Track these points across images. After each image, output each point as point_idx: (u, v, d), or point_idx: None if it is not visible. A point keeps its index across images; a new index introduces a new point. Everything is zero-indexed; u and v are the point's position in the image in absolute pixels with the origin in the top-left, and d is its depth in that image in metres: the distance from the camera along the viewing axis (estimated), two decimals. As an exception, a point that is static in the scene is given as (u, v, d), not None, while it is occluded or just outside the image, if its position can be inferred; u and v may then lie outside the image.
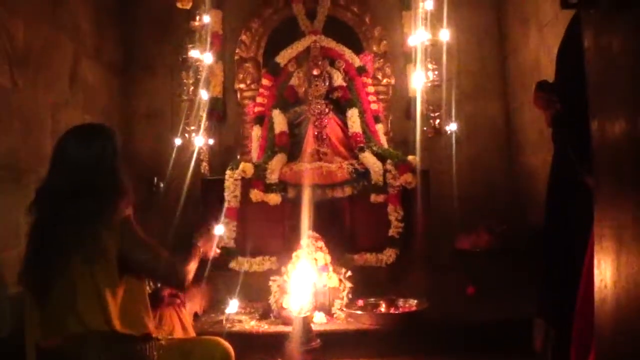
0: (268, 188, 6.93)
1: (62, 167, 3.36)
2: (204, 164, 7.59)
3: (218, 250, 4.36)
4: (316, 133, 7.52)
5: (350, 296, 5.98)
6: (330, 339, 5.22)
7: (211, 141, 7.89)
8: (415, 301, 5.95)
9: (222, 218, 6.17)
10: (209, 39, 7.57)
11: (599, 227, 2.44)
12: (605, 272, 2.36)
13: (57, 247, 3.15)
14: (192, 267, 3.73)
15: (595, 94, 2.46)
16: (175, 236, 6.71)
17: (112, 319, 3.14)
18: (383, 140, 7.84)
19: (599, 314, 2.44)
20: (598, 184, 2.50)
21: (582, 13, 2.61)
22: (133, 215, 3.42)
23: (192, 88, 7.30)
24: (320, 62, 7.89)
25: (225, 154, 8.17)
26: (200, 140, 7.38)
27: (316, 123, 7.57)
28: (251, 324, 5.73)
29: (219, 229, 4.43)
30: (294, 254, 6.07)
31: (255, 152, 7.90)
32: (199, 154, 7.47)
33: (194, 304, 5.77)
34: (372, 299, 6.07)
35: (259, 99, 8.21)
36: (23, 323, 3.25)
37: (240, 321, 5.81)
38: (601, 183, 2.48)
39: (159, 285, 4.20)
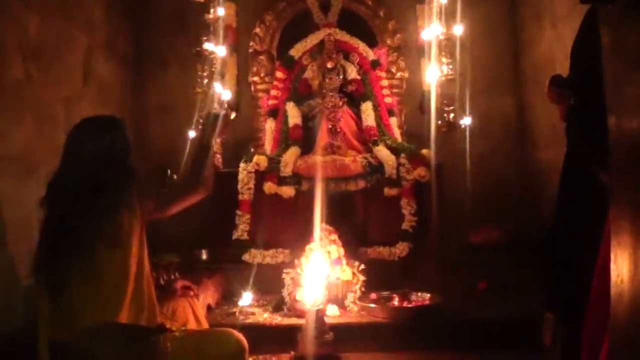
0: (282, 181, 6.96)
1: (74, 161, 3.43)
2: (217, 156, 7.59)
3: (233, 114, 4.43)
4: (330, 126, 7.55)
5: (363, 289, 6.00)
6: (343, 332, 5.25)
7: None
8: (428, 295, 5.96)
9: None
10: (222, 32, 7.57)
11: (616, 222, 2.44)
12: (622, 267, 2.37)
13: (76, 240, 3.19)
14: (208, 170, 3.88)
15: (612, 90, 2.47)
16: (189, 227, 6.75)
17: (125, 299, 3.23)
18: (397, 133, 7.84)
19: (615, 308, 2.45)
20: (615, 179, 2.51)
21: (600, 9, 2.61)
22: None
23: (206, 81, 7.31)
24: (334, 55, 7.92)
25: (238, 147, 8.17)
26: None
27: (330, 116, 7.60)
28: (264, 317, 5.74)
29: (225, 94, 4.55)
30: (307, 247, 6.09)
31: (268, 145, 7.90)
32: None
33: (207, 296, 5.81)
34: (385, 293, 6.07)
35: (273, 92, 8.20)
36: (35, 316, 3.28)
37: (253, 313, 5.82)
38: (618, 178, 2.48)
39: (175, 276, 4.23)
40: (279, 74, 8.22)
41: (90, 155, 3.39)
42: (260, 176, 7.04)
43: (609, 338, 2.77)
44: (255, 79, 8.37)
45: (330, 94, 7.74)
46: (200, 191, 3.82)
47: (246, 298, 5.88)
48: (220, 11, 7.33)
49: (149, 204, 3.52)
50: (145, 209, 3.47)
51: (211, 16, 7.26)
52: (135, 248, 3.34)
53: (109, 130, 3.55)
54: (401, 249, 6.76)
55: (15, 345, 4.57)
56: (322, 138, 7.58)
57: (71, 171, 3.39)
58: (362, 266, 6.10)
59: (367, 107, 7.79)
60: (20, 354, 4.20)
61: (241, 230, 6.92)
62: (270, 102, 8.18)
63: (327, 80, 7.81)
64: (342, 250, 6.14)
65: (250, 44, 8.43)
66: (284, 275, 5.98)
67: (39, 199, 3.40)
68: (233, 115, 4.63)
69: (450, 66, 7.07)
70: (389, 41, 8.38)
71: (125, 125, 3.66)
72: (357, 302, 5.88)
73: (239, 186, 7.01)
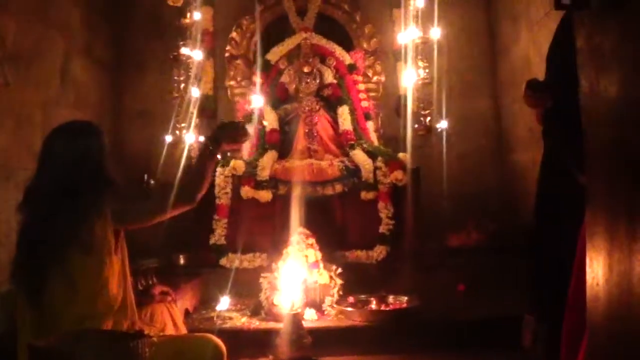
0: (259, 185, 6.98)
1: (50, 165, 3.40)
2: (195, 161, 7.61)
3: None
4: (307, 130, 7.62)
5: (341, 293, 6.01)
6: (321, 335, 5.22)
7: (202, 138, 7.90)
8: (406, 298, 5.97)
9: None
10: (199, 36, 7.59)
11: (591, 225, 2.47)
12: (597, 269, 2.39)
13: (51, 246, 3.18)
14: (205, 183, 3.72)
15: (587, 94, 2.49)
16: (165, 231, 6.75)
17: (110, 311, 3.23)
18: (373, 137, 7.88)
19: (591, 310, 2.47)
20: (590, 183, 2.53)
21: (574, 14, 2.64)
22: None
23: (182, 85, 7.34)
24: (310, 60, 7.97)
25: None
26: (191, 137, 7.42)
27: (307, 120, 7.66)
28: (242, 321, 5.73)
29: (257, 100, 4.45)
30: (284, 251, 6.09)
31: (246, 150, 7.88)
32: (189, 150, 7.49)
33: (185, 301, 5.81)
34: (363, 296, 6.08)
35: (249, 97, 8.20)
36: (14, 322, 3.27)
37: (231, 318, 5.82)
38: (593, 182, 2.51)
39: (153, 281, 4.19)
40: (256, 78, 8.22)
41: (65, 160, 3.38)
42: (238, 181, 7.07)
43: (587, 338, 2.80)
44: (232, 83, 8.41)
45: (307, 98, 7.81)
46: (190, 204, 3.76)
47: (224, 302, 5.84)
48: (197, 15, 7.36)
49: (127, 213, 3.47)
50: (122, 219, 3.44)
51: (188, 20, 7.29)
52: (112, 256, 3.31)
53: (84, 135, 3.54)
54: (379, 252, 6.81)
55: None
56: (299, 142, 7.63)
57: (46, 176, 3.38)
58: (340, 270, 6.11)
59: (343, 111, 7.83)
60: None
61: (218, 235, 6.95)
62: (247, 106, 8.18)
63: (303, 84, 7.87)
64: (319, 254, 6.13)
65: (227, 48, 8.48)
66: (261, 280, 5.98)
67: (18, 205, 3.38)
68: (266, 123, 4.51)
69: (427, 70, 7.11)
70: (365, 45, 8.44)
71: (102, 130, 3.64)
72: (335, 306, 5.88)
73: (216, 191, 7.03)
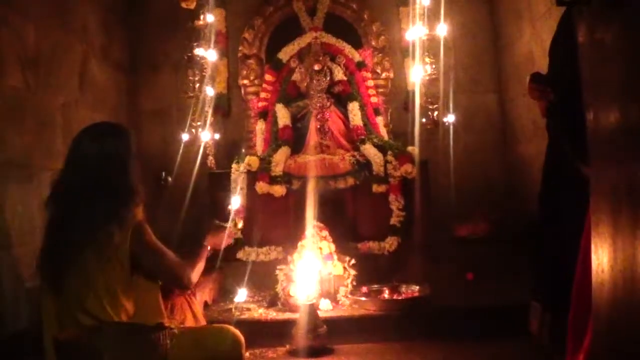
0: (273, 180, 7.09)
1: (76, 164, 3.46)
2: (210, 158, 7.72)
3: (232, 241, 4.48)
4: (318, 126, 7.73)
5: (354, 283, 6.13)
6: (335, 324, 5.42)
7: (217, 136, 8.04)
8: (417, 287, 6.09)
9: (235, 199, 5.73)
10: (213, 37, 7.68)
11: (596, 213, 2.55)
12: (602, 256, 2.46)
13: (71, 244, 3.26)
14: (199, 268, 3.86)
15: (589, 87, 2.58)
16: (182, 228, 6.85)
17: (123, 313, 3.30)
18: (383, 132, 8.00)
19: (596, 296, 2.55)
20: (594, 172, 2.61)
21: (575, 10, 2.72)
22: (143, 214, 3.51)
23: (197, 85, 7.37)
24: (321, 58, 8.07)
25: (230, 148, 8.33)
26: (206, 135, 7.54)
27: (318, 116, 7.79)
28: (259, 312, 5.86)
29: (235, 202, 4.61)
30: (299, 244, 6.20)
31: (259, 146, 8.06)
32: (205, 148, 7.62)
33: (204, 294, 5.89)
34: (376, 286, 6.22)
35: (262, 94, 8.36)
36: (40, 316, 3.36)
37: (248, 309, 5.94)
38: (596, 171, 2.59)
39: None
40: (268, 77, 8.39)
41: (92, 160, 3.43)
42: (252, 176, 7.18)
43: (592, 324, 2.91)
44: (245, 82, 8.54)
45: (318, 95, 7.92)
46: (179, 288, 3.88)
47: (241, 294, 5.91)
48: (210, 17, 7.43)
49: (137, 257, 3.42)
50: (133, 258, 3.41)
51: (201, 22, 7.36)
52: (127, 262, 3.35)
53: (113, 136, 3.58)
54: (390, 243, 6.91)
55: (22, 345, 4.69)
56: (311, 138, 7.75)
57: (74, 174, 3.43)
58: (353, 261, 6.22)
59: (353, 107, 7.94)
60: (27, 352, 4.34)
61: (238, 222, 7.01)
62: (260, 104, 8.35)
63: (314, 81, 7.98)
64: (333, 246, 6.26)
65: (240, 48, 8.61)
66: (277, 272, 6.09)
67: (45, 200, 3.46)
68: (240, 224, 4.65)
69: (434, 66, 7.18)
70: (373, 43, 8.55)
71: (129, 132, 3.69)
72: (349, 296, 6.00)
73: (232, 186, 7.16)
